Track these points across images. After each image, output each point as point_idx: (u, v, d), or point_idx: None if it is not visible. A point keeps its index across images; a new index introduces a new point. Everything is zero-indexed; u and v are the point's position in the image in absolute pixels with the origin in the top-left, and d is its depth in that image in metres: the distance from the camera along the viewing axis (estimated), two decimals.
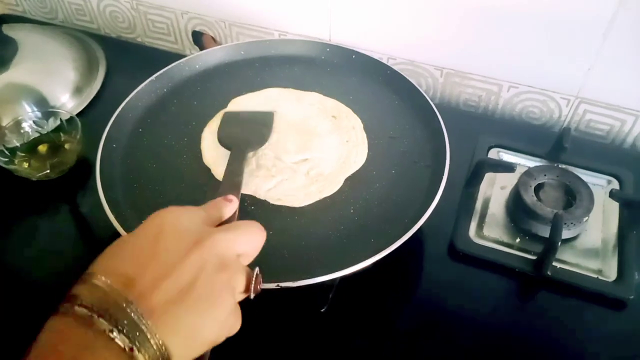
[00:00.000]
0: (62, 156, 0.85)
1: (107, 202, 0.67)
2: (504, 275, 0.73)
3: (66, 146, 0.87)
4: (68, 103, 0.97)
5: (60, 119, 0.88)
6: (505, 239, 0.76)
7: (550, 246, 0.69)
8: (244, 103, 0.84)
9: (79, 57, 1.03)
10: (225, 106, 0.83)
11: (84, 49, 1.06)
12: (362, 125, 0.79)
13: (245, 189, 0.71)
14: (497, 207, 0.80)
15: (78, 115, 0.94)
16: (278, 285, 0.58)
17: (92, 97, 1.00)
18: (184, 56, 0.91)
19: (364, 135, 0.77)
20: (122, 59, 1.07)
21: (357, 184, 0.72)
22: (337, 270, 0.60)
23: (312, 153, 0.74)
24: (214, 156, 0.75)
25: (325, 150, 0.75)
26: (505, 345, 0.67)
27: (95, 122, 0.81)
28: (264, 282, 0.58)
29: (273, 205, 0.69)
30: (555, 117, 0.96)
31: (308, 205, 0.69)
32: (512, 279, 0.73)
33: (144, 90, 0.83)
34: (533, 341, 0.67)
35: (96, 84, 1.02)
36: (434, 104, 0.80)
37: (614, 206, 0.79)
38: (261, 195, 0.70)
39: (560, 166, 0.82)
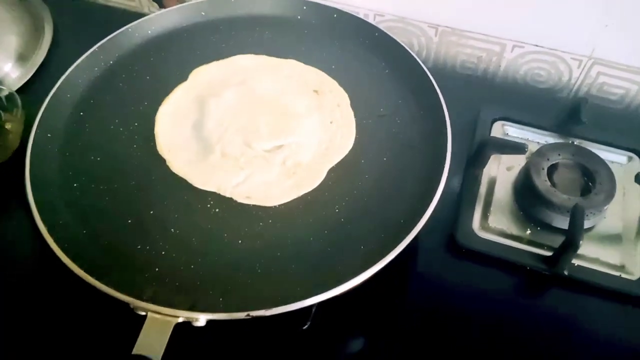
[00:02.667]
0: (2, 139, 0.73)
1: (38, 207, 0.55)
2: (513, 273, 0.64)
3: (7, 127, 0.75)
4: (11, 73, 0.85)
5: None
6: (514, 230, 0.66)
7: (569, 244, 0.59)
8: (208, 74, 0.71)
9: (22, 19, 0.91)
10: (185, 79, 0.70)
11: (27, 10, 0.93)
12: (348, 102, 0.67)
13: (208, 185, 0.59)
14: (503, 192, 0.70)
15: (23, 87, 0.83)
16: (248, 315, 0.48)
17: (37, 65, 0.88)
18: (143, 15, 0.77)
19: (351, 114, 0.66)
20: (72, 19, 0.95)
21: (343, 175, 0.61)
22: (319, 292, 0.49)
23: (288, 137, 0.63)
24: (170, 143, 0.63)
25: (304, 134, 0.63)
26: (517, 352, 0.59)
27: (42, 96, 0.68)
28: (232, 310, 0.48)
29: (241, 205, 0.58)
30: (565, 80, 0.86)
31: (284, 205, 0.58)
32: (522, 278, 0.64)
33: (85, 64, 0.70)
34: (547, 347, 0.59)
35: (42, 51, 0.90)
36: (428, 68, 0.69)
37: (636, 187, 0.69)
38: (227, 192, 0.59)
39: (575, 143, 0.72)
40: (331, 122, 0.65)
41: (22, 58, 0.87)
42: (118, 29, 0.75)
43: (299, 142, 0.62)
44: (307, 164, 0.61)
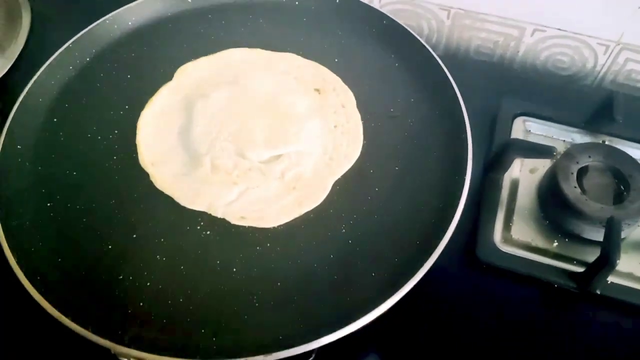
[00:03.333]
0: None
1: (5, 233, 0.49)
2: (540, 291, 0.58)
3: None
4: None
5: None
6: (539, 242, 0.60)
7: (604, 263, 0.53)
8: (196, 72, 0.64)
9: None
10: (171, 78, 0.63)
11: None
12: (354, 102, 0.60)
13: (197, 204, 0.52)
14: (527, 198, 0.63)
15: (1, 80, 0.77)
16: None
17: (15, 57, 0.80)
18: None
19: (358, 116, 0.59)
20: (51, 4, 0.89)
21: (350, 188, 0.55)
22: (325, 333, 0.44)
23: (287, 146, 0.56)
24: (154, 155, 0.56)
25: (305, 142, 0.56)
26: None
27: (21, 89, 0.62)
28: (226, 356, 0.42)
29: (235, 226, 0.52)
30: (589, 66, 0.79)
31: (283, 225, 0.52)
32: (551, 296, 0.57)
33: (58, 63, 0.63)
34: None
35: (20, 40, 0.83)
36: (438, 55, 0.63)
37: None
38: (218, 211, 0.52)
39: (606, 142, 0.65)
40: (335, 127, 0.58)
41: None
42: (101, 13, 0.68)
43: (300, 151, 0.56)
44: (309, 177, 0.54)
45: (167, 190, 0.53)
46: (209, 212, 0.52)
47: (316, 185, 0.54)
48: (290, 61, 0.64)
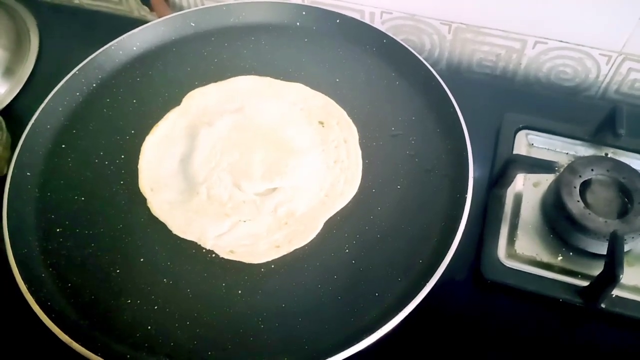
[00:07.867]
0: None
1: (17, 261, 0.50)
2: (545, 306, 0.57)
3: None
4: None
5: None
6: (544, 257, 0.60)
7: (608, 278, 0.53)
8: (204, 98, 0.64)
9: (5, 29, 0.86)
10: (175, 100, 0.64)
11: (11, 18, 0.88)
12: (357, 138, 0.60)
13: (187, 234, 0.53)
14: (531, 211, 0.63)
15: (11, 103, 0.79)
16: None
17: (25, 79, 0.83)
18: (131, 19, 0.70)
19: (359, 153, 0.59)
20: (58, 27, 0.90)
21: (353, 208, 0.55)
22: (330, 354, 0.44)
23: (284, 180, 0.56)
24: (154, 180, 0.57)
25: (302, 177, 0.56)
26: None
27: (31, 112, 0.63)
28: None
29: (225, 261, 0.52)
30: (592, 77, 0.79)
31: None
32: (556, 312, 0.57)
33: (65, 89, 0.64)
34: None
35: (29, 63, 0.85)
36: (440, 69, 0.64)
37: None
38: (207, 243, 0.53)
39: (609, 155, 0.65)
40: (335, 162, 0.58)
41: (8, 71, 0.82)
42: (106, 34, 0.69)
43: (296, 185, 0.56)
44: (302, 213, 0.54)
45: (162, 217, 0.54)
46: (199, 243, 0.53)
47: (308, 222, 0.54)
48: (298, 92, 0.64)
